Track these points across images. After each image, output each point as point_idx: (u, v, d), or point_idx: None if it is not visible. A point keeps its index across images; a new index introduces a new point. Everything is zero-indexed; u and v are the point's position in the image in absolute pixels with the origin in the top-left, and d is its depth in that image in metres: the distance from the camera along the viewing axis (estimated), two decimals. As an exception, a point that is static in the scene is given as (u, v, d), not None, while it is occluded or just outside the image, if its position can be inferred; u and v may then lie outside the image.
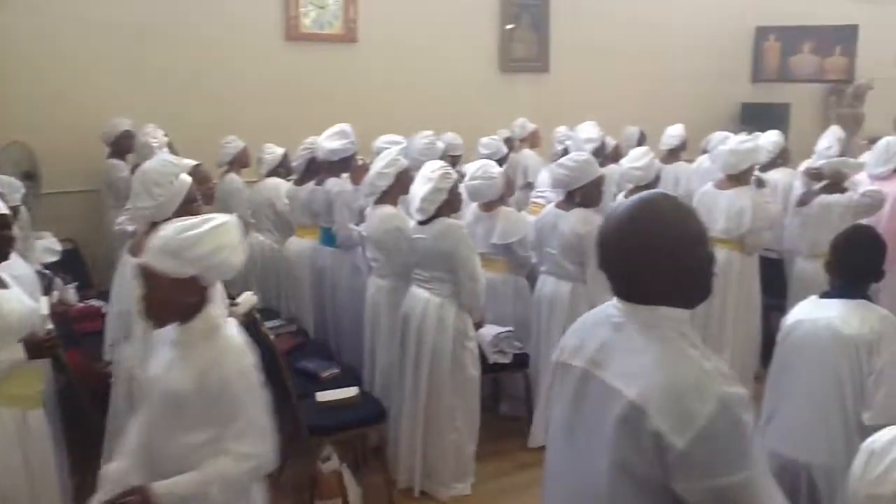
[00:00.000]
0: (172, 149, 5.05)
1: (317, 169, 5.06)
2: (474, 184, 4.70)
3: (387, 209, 4.25)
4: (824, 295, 2.72)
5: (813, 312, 2.69)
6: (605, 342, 1.60)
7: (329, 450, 3.70)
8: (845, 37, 9.97)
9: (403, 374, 4.01)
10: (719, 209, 4.96)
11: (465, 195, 4.59)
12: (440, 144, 5.80)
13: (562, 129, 6.95)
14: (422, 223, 3.96)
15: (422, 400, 3.92)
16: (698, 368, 1.46)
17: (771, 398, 2.84)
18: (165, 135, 5.46)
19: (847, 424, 2.55)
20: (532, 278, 4.81)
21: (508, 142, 6.78)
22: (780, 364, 2.80)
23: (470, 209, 4.91)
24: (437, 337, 3.90)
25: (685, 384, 1.43)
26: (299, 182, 5.24)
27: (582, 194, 4.32)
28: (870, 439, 1.49)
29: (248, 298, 3.39)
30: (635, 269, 1.56)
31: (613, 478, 1.49)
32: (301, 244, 5.20)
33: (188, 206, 3.00)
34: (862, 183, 5.10)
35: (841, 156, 5.71)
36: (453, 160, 6.05)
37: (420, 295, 3.98)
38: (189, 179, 3.09)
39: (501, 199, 4.87)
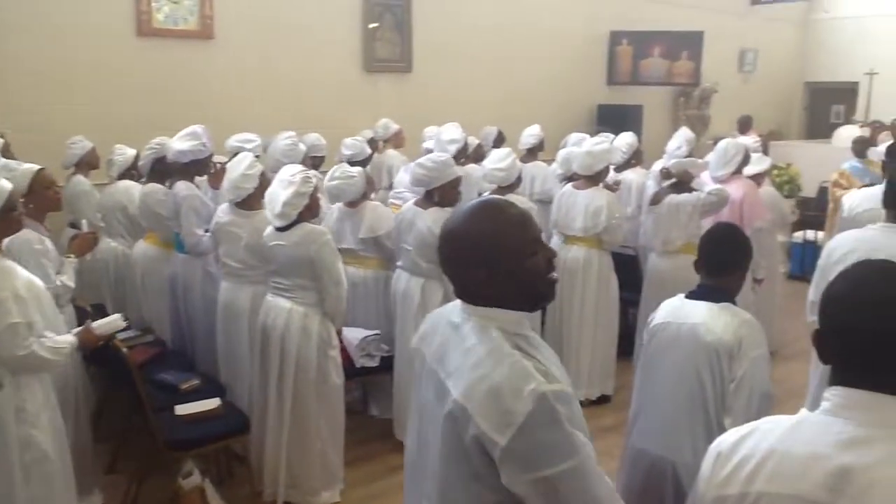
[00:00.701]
0: (8, 151, 4.68)
1: (167, 171, 4.84)
2: (335, 184, 4.68)
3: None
4: (690, 294, 2.74)
5: (679, 314, 2.71)
6: (444, 340, 1.68)
7: (190, 465, 3.55)
8: (691, 42, 10.52)
9: (266, 385, 3.88)
10: (577, 209, 5.16)
11: (324, 199, 4.55)
12: (302, 146, 5.69)
13: (431, 129, 6.98)
14: (280, 229, 3.80)
15: (286, 410, 3.81)
16: (517, 367, 1.52)
17: (638, 397, 2.89)
18: (1, 135, 5.07)
19: (709, 426, 2.60)
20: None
21: (372, 142, 6.74)
22: (647, 363, 2.84)
23: (335, 207, 4.87)
24: (301, 347, 3.79)
25: (502, 383, 1.49)
26: (145, 184, 5.00)
27: (440, 194, 4.36)
28: (717, 441, 1.51)
29: (112, 322, 3.19)
30: (465, 274, 1.64)
31: (445, 468, 1.59)
32: (150, 249, 4.95)
33: (7, 216, 2.82)
34: (707, 182, 5.38)
35: (689, 156, 6.02)
36: (316, 162, 5.96)
37: (281, 305, 3.84)
38: (8, 186, 2.88)
39: (364, 198, 4.84)
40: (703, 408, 2.63)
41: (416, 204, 4.49)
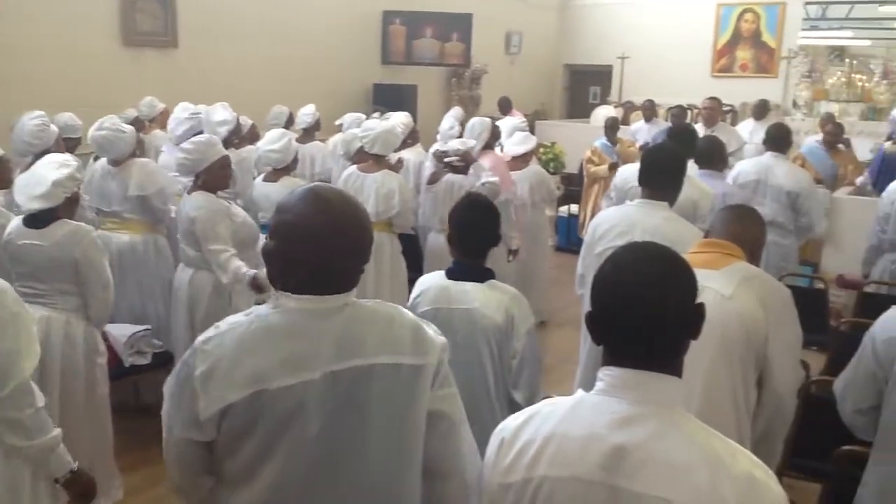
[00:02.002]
0: None
1: None
2: (102, 134, 4.36)
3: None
4: (451, 274, 2.71)
5: (448, 298, 2.68)
6: (343, 333, 1.70)
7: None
8: (461, 24, 10.82)
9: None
10: (367, 192, 4.99)
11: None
12: (54, 127, 5.18)
13: (201, 107, 6.60)
14: (34, 226, 3.32)
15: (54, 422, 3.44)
16: (414, 327, 1.76)
17: None
18: None
19: (492, 408, 2.66)
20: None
21: (137, 122, 6.29)
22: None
23: (98, 164, 4.49)
24: (66, 358, 3.38)
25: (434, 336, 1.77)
26: None
27: (205, 177, 4.05)
28: (499, 427, 1.53)
29: None
30: (319, 265, 1.64)
31: (404, 422, 1.71)
32: None
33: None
34: (483, 169, 5.58)
35: (461, 136, 6.18)
36: (70, 144, 5.44)
37: (38, 313, 3.29)
38: None
39: (133, 156, 4.52)
40: (485, 391, 2.67)
41: (189, 191, 4.23)
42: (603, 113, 12.10)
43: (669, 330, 1.40)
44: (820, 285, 5.32)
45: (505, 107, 10.53)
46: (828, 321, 4.96)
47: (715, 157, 4.61)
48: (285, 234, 1.64)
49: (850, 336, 4.06)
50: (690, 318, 1.42)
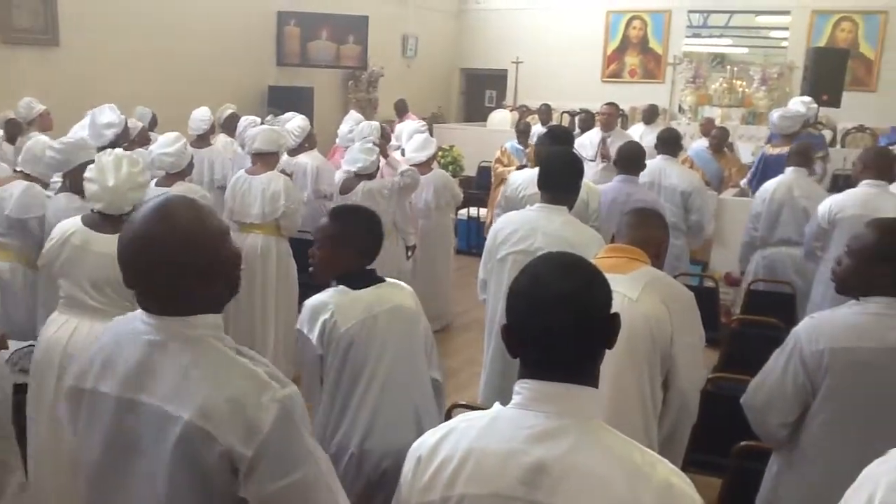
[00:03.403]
0: None
1: None
2: None
3: None
4: (352, 285, 2.63)
5: (370, 304, 2.61)
6: (144, 362, 1.51)
7: None
8: (357, 26, 10.75)
9: None
10: (253, 194, 4.97)
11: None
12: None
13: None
14: None
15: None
16: (250, 376, 1.49)
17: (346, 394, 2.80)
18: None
19: (429, 392, 2.71)
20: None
21: (13, 124, 5.94)
22: (365, 361, 2.66)
23: None
24: None
25: (241, 395, 1.45)
26: None
27: (71, 179, 3.86)
28: (416, 443, 1.50)
29: None
30: (161, 283, 1.50)
31: (174, 501, 1.47)
32: None
33: None
34: (400, 162, 5.58)
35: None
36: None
37: None
38: None
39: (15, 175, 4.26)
40: (421, 383, 2.70)
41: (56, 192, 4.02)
42: (499, 117, 12.26)
43: (586, 342, 1.40)
44: (710, 284, 5.53)
45: (401, 110, 10.51)
46: (719, 318, 5.16)
47: (633, 163, 4.75)
48: (119, 246, 1.54)
49: (741, 332, 4.24)
50: (606, 328, 1.42)
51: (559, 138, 4.77)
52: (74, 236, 3.13)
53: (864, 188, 4.38)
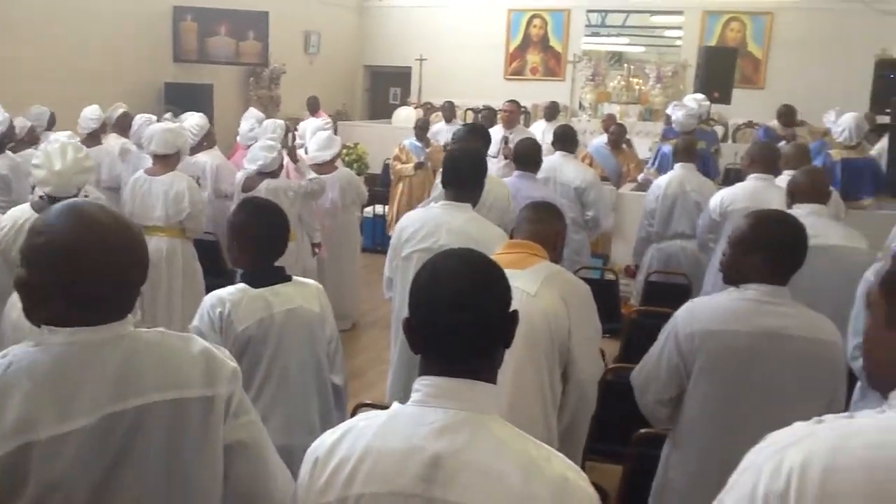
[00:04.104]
0: None
1: None
2: None
3: None
4: (255, 282, 2.61)
5: (269, 304, 2.59)
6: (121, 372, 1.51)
7: None
8: (257, 22, 10.54)
9: None
10: (155, 196, 4.80)
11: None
12: None
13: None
14: None
15: None
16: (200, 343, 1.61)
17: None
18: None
19: (328, 400, 2.70)
20: None
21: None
22: (269, 359, 2.66)
23: None
24: None
25: (207, 349, 1.59)
26: None
27: None
28: (314, 445, 1.48)
29: None
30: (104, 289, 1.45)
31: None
32: None
33: None
34: (308, 169, 5.54)
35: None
36: None
37: None
38: None
39: None
40: (320, 386, 2.68)
41: None
42: (404, 114, 12.26)
43: (484, 338, 1.41)
44: (611, 276, 5.69)
45: (313, 107, 10.42)
46: (619, 309, 5.31)
47: (530, 160, 4.83)
48: (34, 259, 1.42)
49: (639, 322, 4.37)
50: (505, 325, 1.44)
51: (478, 134, 4.88)
52: (28, 223, 3.15)
53: (753, 182, 4.59)
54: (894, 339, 1.29)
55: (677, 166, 5.42)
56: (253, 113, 7.38)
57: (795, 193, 3.76)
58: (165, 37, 10.02)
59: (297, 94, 11.18)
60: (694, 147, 5.69)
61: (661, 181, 5.42)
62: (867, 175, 6.02)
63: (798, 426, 1.31)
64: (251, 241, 2.64)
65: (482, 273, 1.44)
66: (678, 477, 2.48)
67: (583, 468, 3.17)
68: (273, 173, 5.21)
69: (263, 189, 5.10)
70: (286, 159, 5.53)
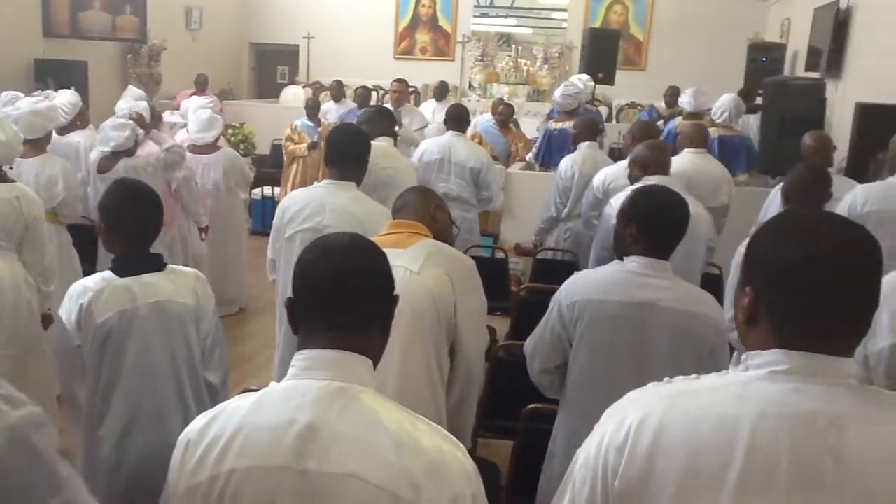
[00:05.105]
0: None
1: None
2: None
3: None
4: (121, 270, 2.50)
5: (134, 296, 2.47)
6: None
7: None
8: (135, -3, 10.09)
9: None
10: (24, 179, 4.45)
11: None
12: None
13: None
14: None
15: None
16: None
17: (131, 392, 2.57)
18: None
19: (188, 404, 2.55)
20: None
21: None
22: (120, 354, 2.53)
23: None
24: None
25: None
26: None
27: None
28: (186, 430, 1.44)
29: None
30: None
31: None
32: None
33: None
34: (165, 137, 5.31)
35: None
36: None
37: None
38: None
39: None
40: (177, 389, 2.54)
41: None
42: (292, 93, 12.01)
43: (364, 317, 1.44)
44: (500, 255, 5.75)
45: (202, 85, 10.10)
46: (509, 287, 5.38)
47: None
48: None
49: (528, 300, 4.44)
50: (384, 306, 1.47)
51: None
52: None
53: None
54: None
55: (583, 146, 5.46)
56: (132, 91, 7.07)
57: (647, 166, 3.95)
58: (33, 10, 9.43)
59: (179, 71, 10.77)
60: (595, 126, 5.80)
61: (572, 161, 5.39)
62: (742, 151, 6.29)
63: (649, 386, 1.35)
64: (120, 224, 2.50)
65: (364, 252, 1.47)
66: (561, 437, 2.56)
67: (475, 444, 3.22)
68: (128, 151, 4.98)
69: (122, 169, 4.85)
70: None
